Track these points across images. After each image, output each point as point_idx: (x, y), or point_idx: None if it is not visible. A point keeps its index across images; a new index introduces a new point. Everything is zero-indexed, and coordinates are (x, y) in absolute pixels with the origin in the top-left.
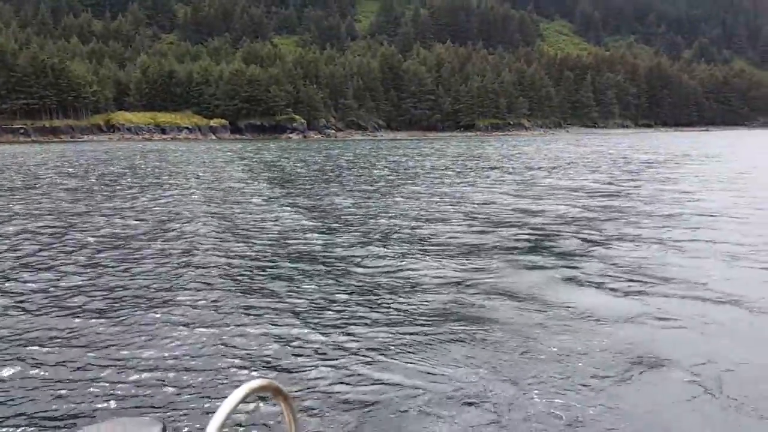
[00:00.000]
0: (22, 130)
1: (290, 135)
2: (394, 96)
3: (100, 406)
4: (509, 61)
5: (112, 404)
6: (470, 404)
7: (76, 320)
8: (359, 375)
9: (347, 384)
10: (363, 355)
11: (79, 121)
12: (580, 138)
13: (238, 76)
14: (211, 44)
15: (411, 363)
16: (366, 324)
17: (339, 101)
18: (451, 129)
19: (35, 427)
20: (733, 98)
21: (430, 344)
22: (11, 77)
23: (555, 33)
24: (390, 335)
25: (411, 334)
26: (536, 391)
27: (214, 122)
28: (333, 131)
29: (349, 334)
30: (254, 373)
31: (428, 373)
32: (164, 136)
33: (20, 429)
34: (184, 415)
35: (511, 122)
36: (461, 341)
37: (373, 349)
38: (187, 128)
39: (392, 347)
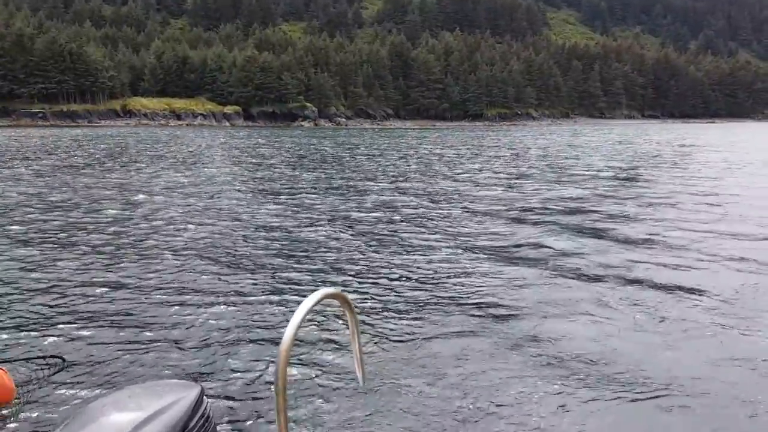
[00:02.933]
0: (40, 114)
1: (302, 123)
2: (403, 85)
3: (140, 370)
4: (517, 49)
5: (154, 370)
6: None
7: (119, 293)
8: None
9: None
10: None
11: (96, 106)
12: (601, 128)
13: (251, 63)
14: (223, 30)
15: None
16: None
17: (348, 89)
18: (459, 119)
19: (85, 389)
20: (739, 90)
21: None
22: (29, 61)
23: (561, 22)
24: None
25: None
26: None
27: (227, 109)
28: (343, 119)
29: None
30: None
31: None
32: (179, 122)
33: (72, 392)
34: (220, 378)
35: (519, 112)
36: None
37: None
38: (201, 114)
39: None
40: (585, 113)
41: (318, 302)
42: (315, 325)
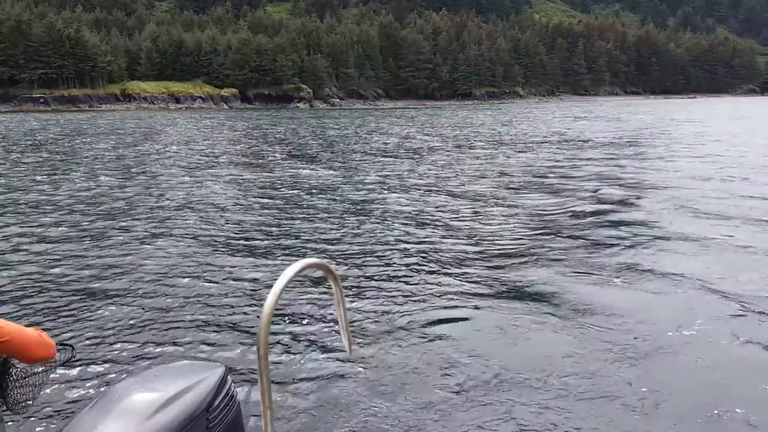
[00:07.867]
0: (41, 100)
1: (298, 104)
2: (393, 65)
3: (169, 350)
4: (503, 28)
5: (181, 350)
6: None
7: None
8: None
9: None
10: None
11: (96, 91)
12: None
13: (247, 45)
14: (213, 13)
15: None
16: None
17: (340, 70)
18: (449, 98)
19: (113, 368)
20: (718, 66)
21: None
22: (29, 47)
23: (543, 0)
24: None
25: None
26: None
27: (225, 92)
28: (337, 100)
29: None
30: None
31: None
32: (179, 106)
33: (100, 369)
34: (241, 360)
35: (507, 90)
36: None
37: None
38: (200, 98)
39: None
40: (570, 90)
41: (299, 272)
42: (304, 295)
